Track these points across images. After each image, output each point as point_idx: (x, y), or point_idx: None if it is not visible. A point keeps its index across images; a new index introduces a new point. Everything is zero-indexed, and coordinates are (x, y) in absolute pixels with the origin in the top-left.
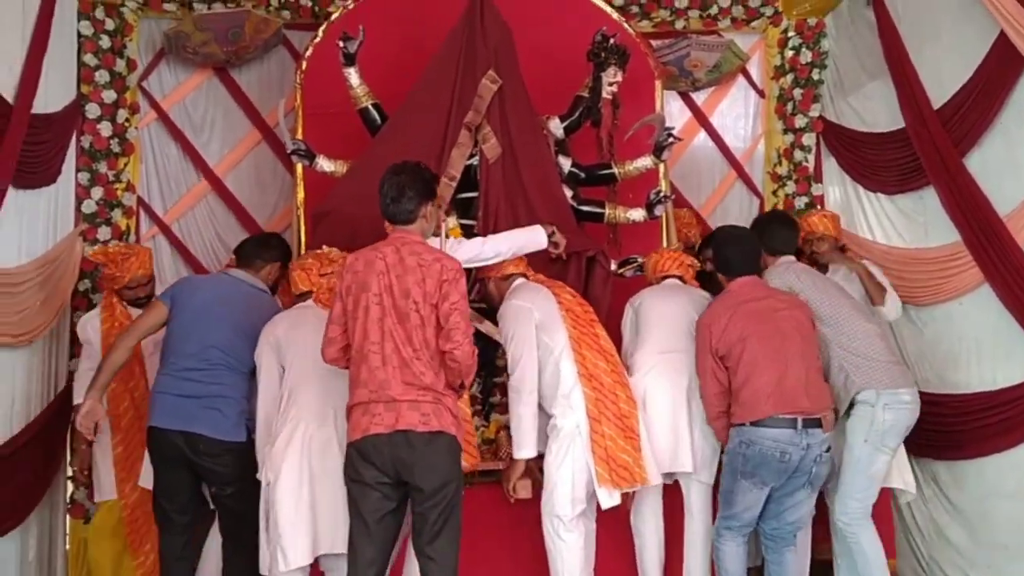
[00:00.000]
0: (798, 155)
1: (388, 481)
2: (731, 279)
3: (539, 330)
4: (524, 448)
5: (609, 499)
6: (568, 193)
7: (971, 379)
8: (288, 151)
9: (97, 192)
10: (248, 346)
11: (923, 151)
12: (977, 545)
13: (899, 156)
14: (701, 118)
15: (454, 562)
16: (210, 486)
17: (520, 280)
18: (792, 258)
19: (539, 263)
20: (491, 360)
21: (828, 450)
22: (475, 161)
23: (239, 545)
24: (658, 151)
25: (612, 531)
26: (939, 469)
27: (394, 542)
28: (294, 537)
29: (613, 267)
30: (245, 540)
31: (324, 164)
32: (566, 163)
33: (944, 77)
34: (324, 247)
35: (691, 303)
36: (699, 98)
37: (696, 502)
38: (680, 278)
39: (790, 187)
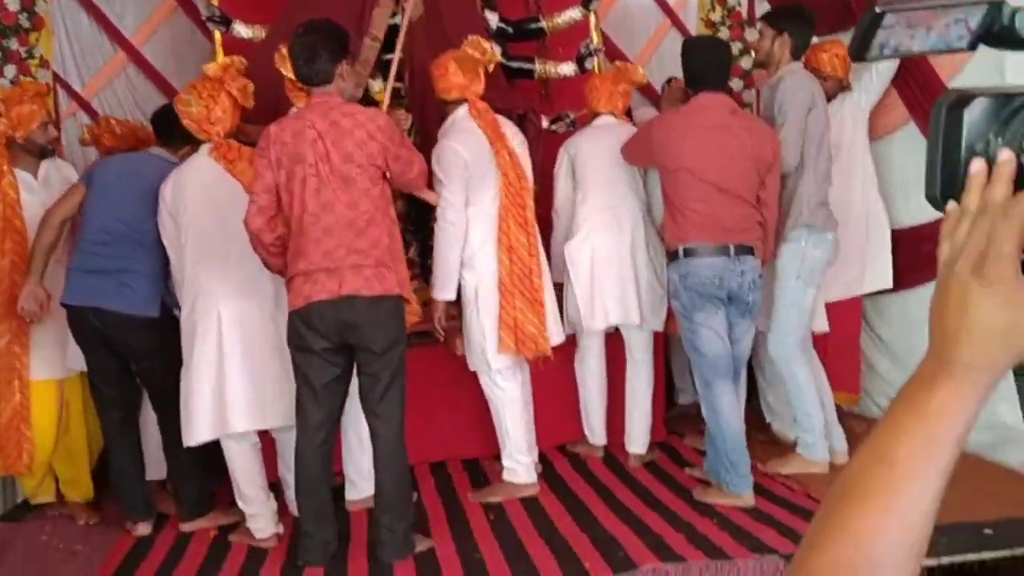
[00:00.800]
0: (731, 0)
1: (332, 347)
2: (696, 92)
3: (469, 176)
4: (443, 291)
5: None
6: (496, 50)
7: (900, 216)
8: (203, 17)
9: (10, 70)
10: (151, 216)
11: None
12: (904, 375)
13: None
14: None
15: (401, 419)
16: (129, 361)
17: (462, 110)
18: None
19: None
20: (428, 223)
21: (760, 278)
22: (397, 20)
23: (170, 417)
24: (587, 1)
25: (556, 379)
26: (866, 305)
27: (341, 407)
28: (199, 413)
29: (545, 124)
30: (177, 412)
31: (241, 30)
32: (493, 18)
33: None
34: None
35: None
36: None
37: (639, 350)
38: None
39: (724, 32)
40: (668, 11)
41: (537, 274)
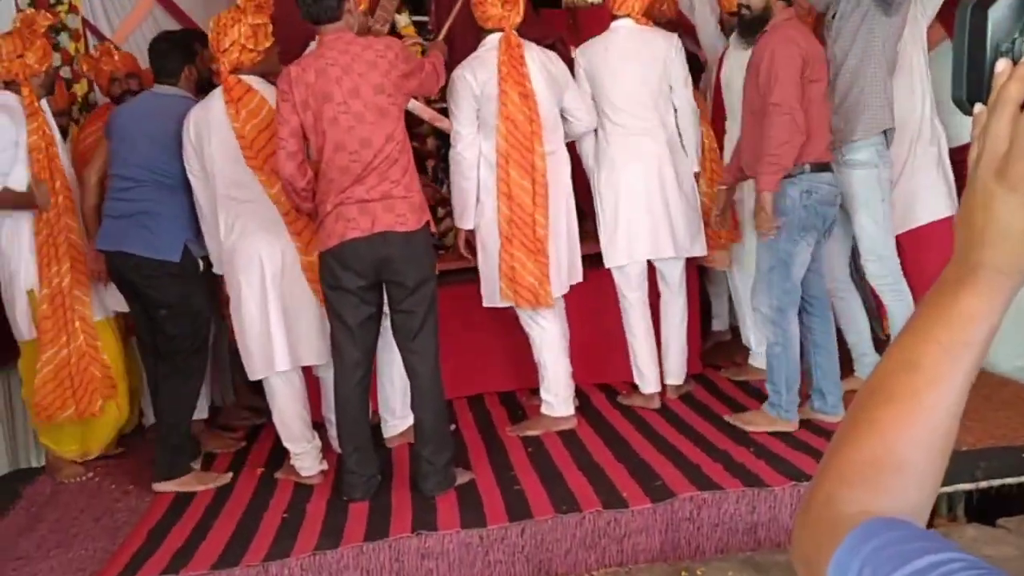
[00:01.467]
0: None
1: (367, 285)
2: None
3: (480, 108)
4: (461, 219)
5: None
6: None
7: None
8: None
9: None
10: (170, 157)
11: None
12: None
13: None
14: None
15: (437, 354)
16: (148, 307)
17: (491, 40)
18: None
19: None
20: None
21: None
22: None
23: (173, 369)
24: None
25: (595, 314)
26: None
27: (375, 344)
28: (255, 352)
29: (574, 54)
30: (178, 365)
31: None
32: None
33: None
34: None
35: (653, 60)
36: None
37: (674, 281)
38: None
39: None
40: None
41: (542, 224)
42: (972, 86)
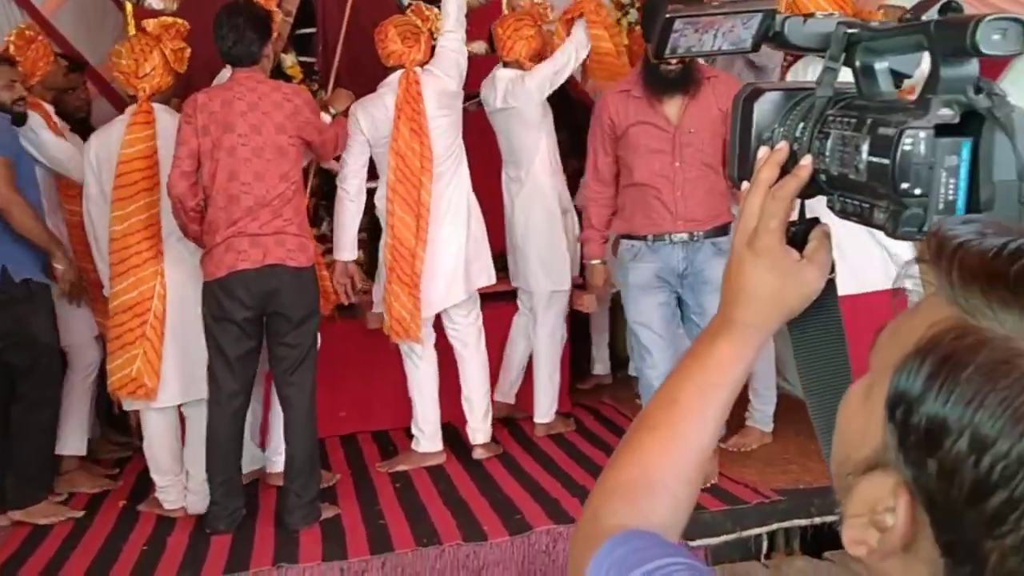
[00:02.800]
0: None
1: (252, 316)
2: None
3: (373, 146)
4: (337, 250)
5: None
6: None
7: None
8: None
9: None
10: None
11: None
12: None
13: None
14: None
15: (314, 388)
16: None
17: (391, 78)
18: None
19: None
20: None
21: None
22: None
23: (20, 398)
24: None
25: None
26: None
27: (253, 380)
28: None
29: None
30: (27, 395)
31: (153, 1)
32: None
33: None
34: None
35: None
36: None
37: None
38: (519, 64)
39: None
40: None
41: (420, 259)
42: (742, 167)
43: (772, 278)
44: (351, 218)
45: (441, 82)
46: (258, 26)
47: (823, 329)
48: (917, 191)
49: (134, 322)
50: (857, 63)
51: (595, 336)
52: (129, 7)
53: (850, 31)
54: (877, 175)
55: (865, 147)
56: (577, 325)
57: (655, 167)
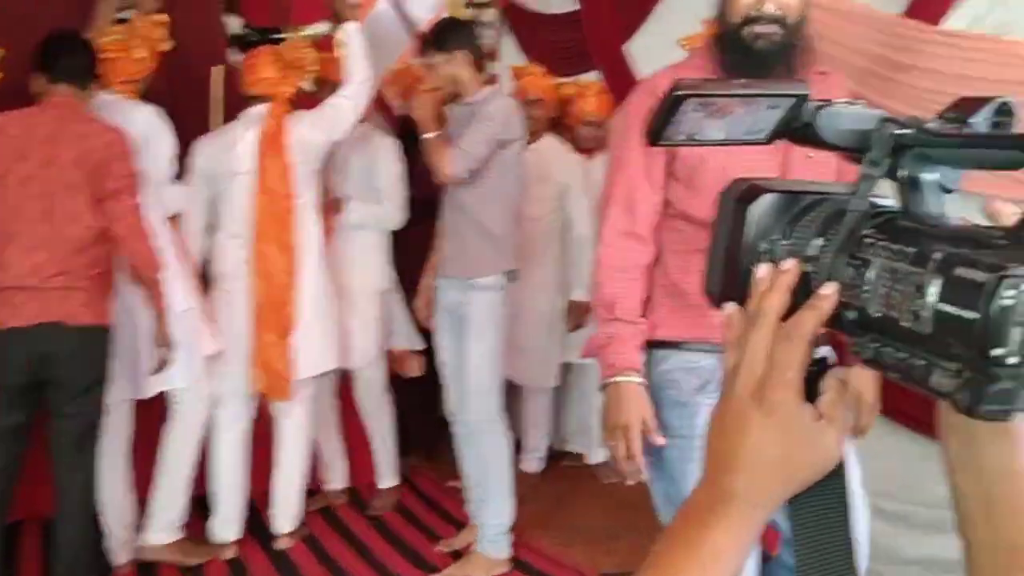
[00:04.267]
0: (479, 32)
1: (23, 383)
2: None
3: (210, 188)
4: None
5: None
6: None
7: None
8: None
9: None
10: None
11: (591, 35)
12: None
13: (570, 38)
14: None
15: (94, 470)
16: None
17: (254, 109)
18: None
19: None
20: None
21: None
22: (126, 15)
23: None
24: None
25: None
26: None
27: (17, 463)
28: None
29: None
30: None
31: None
32: (236, 22)
33: None
34: None
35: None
36: None
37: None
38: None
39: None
40: (415, 35)
41: (294, 304)
42: (727, 284)
43: (783, 443)
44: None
45: (307, 133)
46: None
47: (824, 509)
48: (1014, 360)
49: None
50: (903, 173)
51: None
52: None
53: (898, 132)
54: (952, 331)
55: (933, 290)
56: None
57: None
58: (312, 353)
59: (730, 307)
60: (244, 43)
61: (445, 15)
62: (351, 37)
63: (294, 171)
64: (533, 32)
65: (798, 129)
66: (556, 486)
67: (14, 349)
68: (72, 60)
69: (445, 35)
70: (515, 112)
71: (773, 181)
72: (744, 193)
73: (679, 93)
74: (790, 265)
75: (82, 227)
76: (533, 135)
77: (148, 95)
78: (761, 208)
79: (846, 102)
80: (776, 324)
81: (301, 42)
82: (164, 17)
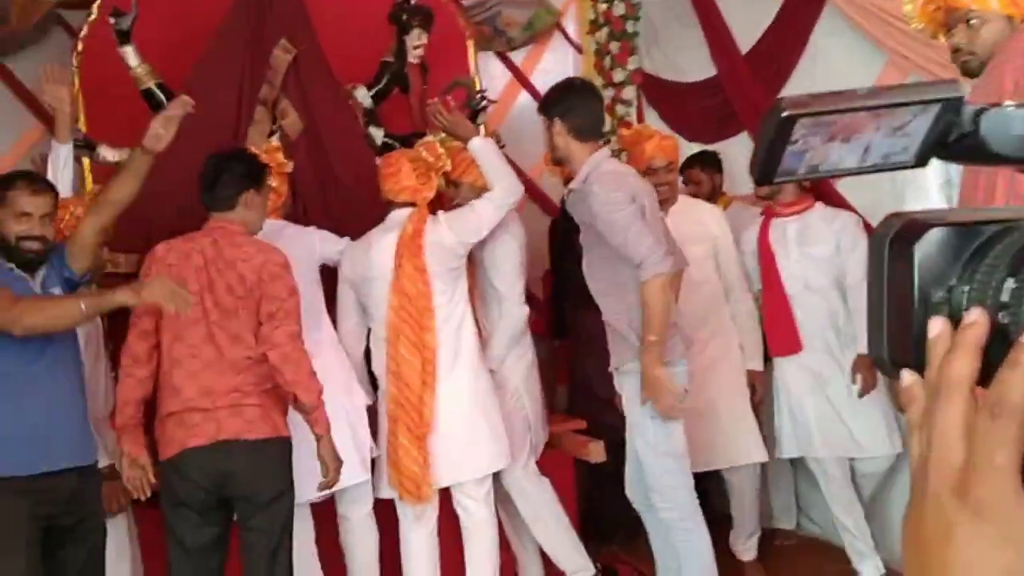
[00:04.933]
0: (620, 109)
1: (209, 501)
2: None
3: (356, 292)
4: None
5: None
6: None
7: None
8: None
9: None
10: None
11: (735, 97)
12: None
13: (713, 104)
14: (521, 78)
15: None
16: None
17: (397, 214)
18: None
19: None
20: None
21: None
22: (275, 141)
23: None
24: (473, 115)
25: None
26: None
27: (219, 574)
28: None
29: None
30: None
31: (107, 154)
32: (378, 133)
33: (750, 22)
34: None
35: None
36: (517, 58)
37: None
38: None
39: (614, 143)
40: None
41: (429, 407)
42: (896, 345)
43: (1003, 550)
44: None
45: (443, 236)
46: (240, 169)
47: None
48: None
49: None
50: None
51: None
52: (86, 162)
53: None
54: None
55: None
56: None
57: None
58: (473, 455)
59: (908, 377)
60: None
61: None
62: (478, 152)
63: (430, 273)
64: (673, 102)
65: (956, 142)
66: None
67: (195, 469)
68: (224, 188)
69: (546, 101)
70: (623, 182)
71: (937, 212)
72: (902, 231)
73: (786, 114)
74: (975, 316)
75: (242, 348)
76: (667, 202)
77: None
78: (929, 248)
79: (1015, 104)
80: (969, 396)
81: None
82: (278, 144)
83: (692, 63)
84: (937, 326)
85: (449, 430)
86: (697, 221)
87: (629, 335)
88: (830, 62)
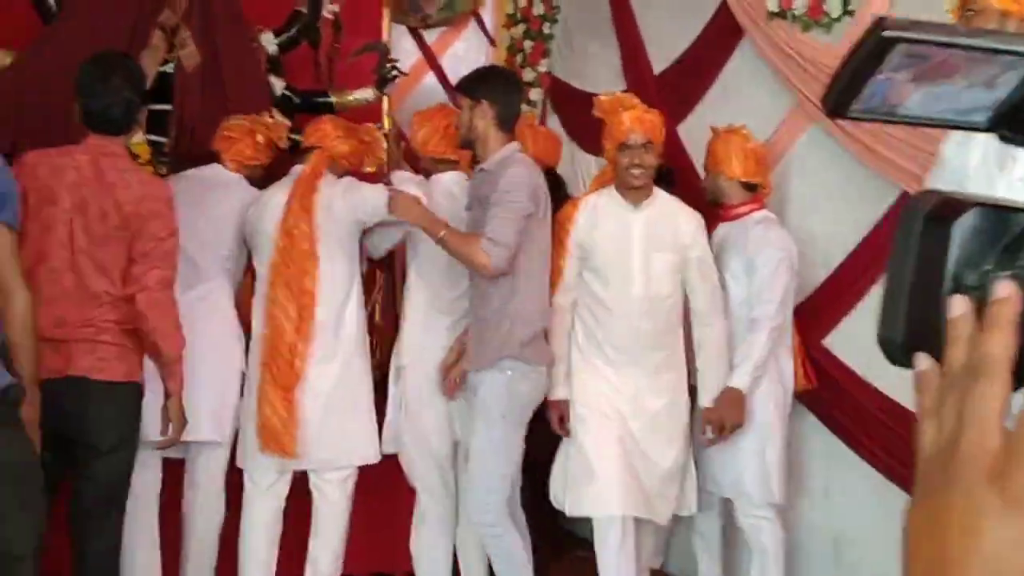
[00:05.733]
0: (523, 109)
1: (48, 441)
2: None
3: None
4: None
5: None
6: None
7: None
8: None
9: None
10: None
11: None
12: None
13: None
14: (431, 58)
15: (120, 537)
16: None
17: (295, 169)
18: None
19: None
20: None
21: None
22: (169, 68)
23: None
24: (380, 83)
25: None
26: None
27: (43, 521)
28: None
29: None
30: None
31: None
32: (279, 84)
33: (667, 44)
34: None
35: None
36: (430, 37)
37: None
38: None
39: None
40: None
41: (302, 357)
42: (914, 329)
43: None
44: None
45: (334, 198)
46: (136, 87)
47: None
48: None
49: None
50: None
51: None
52: None
53: None
54: None
55: None
56: None
57: None
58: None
59: (923, 361)
60: (288, 106)
61: None
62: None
63: (316, 221)
64: (577, 110)
65: None
66: None
67: (46, 404)
68: (113, 107)
69: (476, 81)
70: (536, 179)
71: (969, 194)
72: (939, 209)
73: (887, 34)
74: (1009, 291)
75: (109, 281)
76: (640, 191)
77: None
78: (965, 230)
79: None
80: (1009, 378)
81: (351, 104)
82: (286, 122)
83: (602, 75)
84: (960, 305)
85: (314, 416)
86: (671, 226)
87: (499, 332)
88: (740, 97)
